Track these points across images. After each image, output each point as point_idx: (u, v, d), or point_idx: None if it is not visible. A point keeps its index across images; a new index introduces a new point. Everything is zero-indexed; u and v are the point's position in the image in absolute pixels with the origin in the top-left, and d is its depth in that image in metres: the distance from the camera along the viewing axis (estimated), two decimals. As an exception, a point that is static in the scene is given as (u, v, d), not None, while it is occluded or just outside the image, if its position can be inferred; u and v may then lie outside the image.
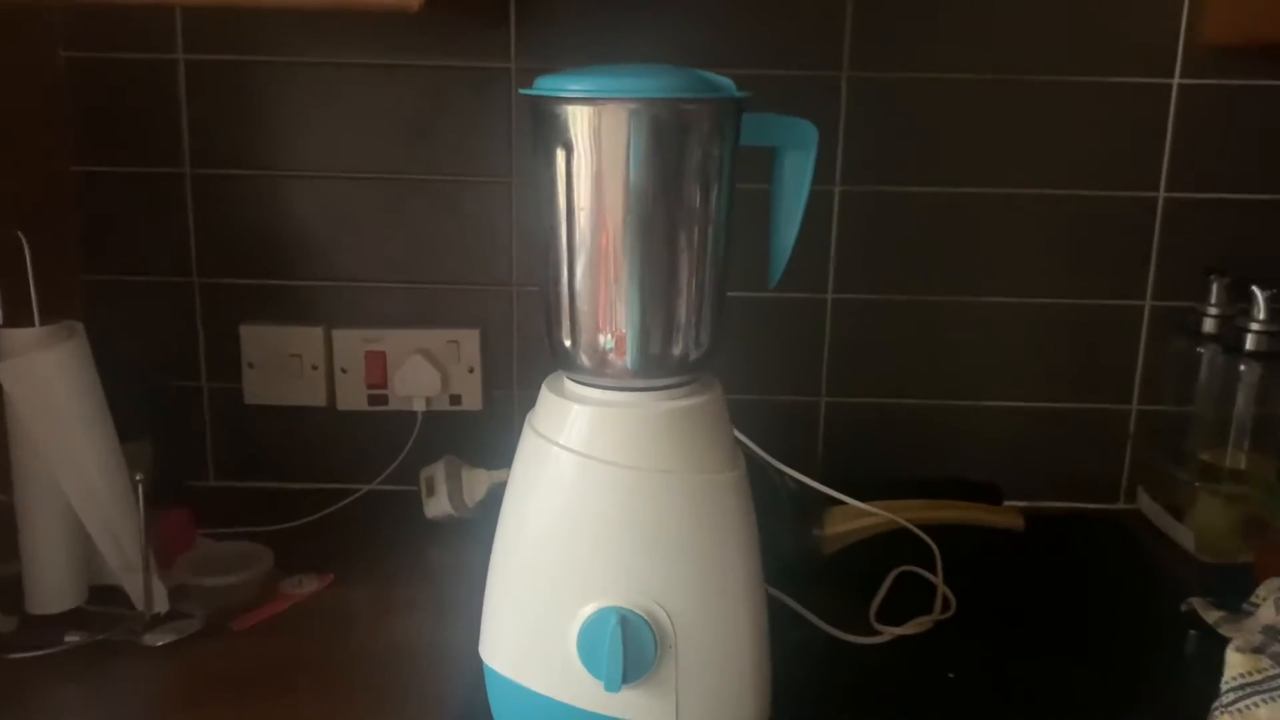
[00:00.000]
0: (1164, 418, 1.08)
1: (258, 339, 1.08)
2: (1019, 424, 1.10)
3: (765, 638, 0.68)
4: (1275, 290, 0.96)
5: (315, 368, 1.08)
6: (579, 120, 0.62)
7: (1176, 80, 1.03)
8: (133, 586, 0.83)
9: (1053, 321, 1.08)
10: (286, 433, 1.10)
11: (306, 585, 0.91)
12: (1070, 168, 1.05)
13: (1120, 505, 1.12)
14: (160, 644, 0.81)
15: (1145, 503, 1.09)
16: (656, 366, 0.66)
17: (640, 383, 0.67)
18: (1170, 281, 1.07)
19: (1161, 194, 1.05)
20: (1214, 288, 1.02)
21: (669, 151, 0.62)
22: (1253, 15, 0.96)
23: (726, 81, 0.64)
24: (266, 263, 1.08)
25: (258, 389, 1.09)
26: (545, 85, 0.63)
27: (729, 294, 0.69)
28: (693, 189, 0.64)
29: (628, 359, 0.66)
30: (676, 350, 0.66)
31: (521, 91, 0.65)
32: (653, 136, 0.62)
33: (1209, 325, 1.02)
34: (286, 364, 1.08)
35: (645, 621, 0.64)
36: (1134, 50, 1.02)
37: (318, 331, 1.07)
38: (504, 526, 0.69)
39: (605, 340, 0.66)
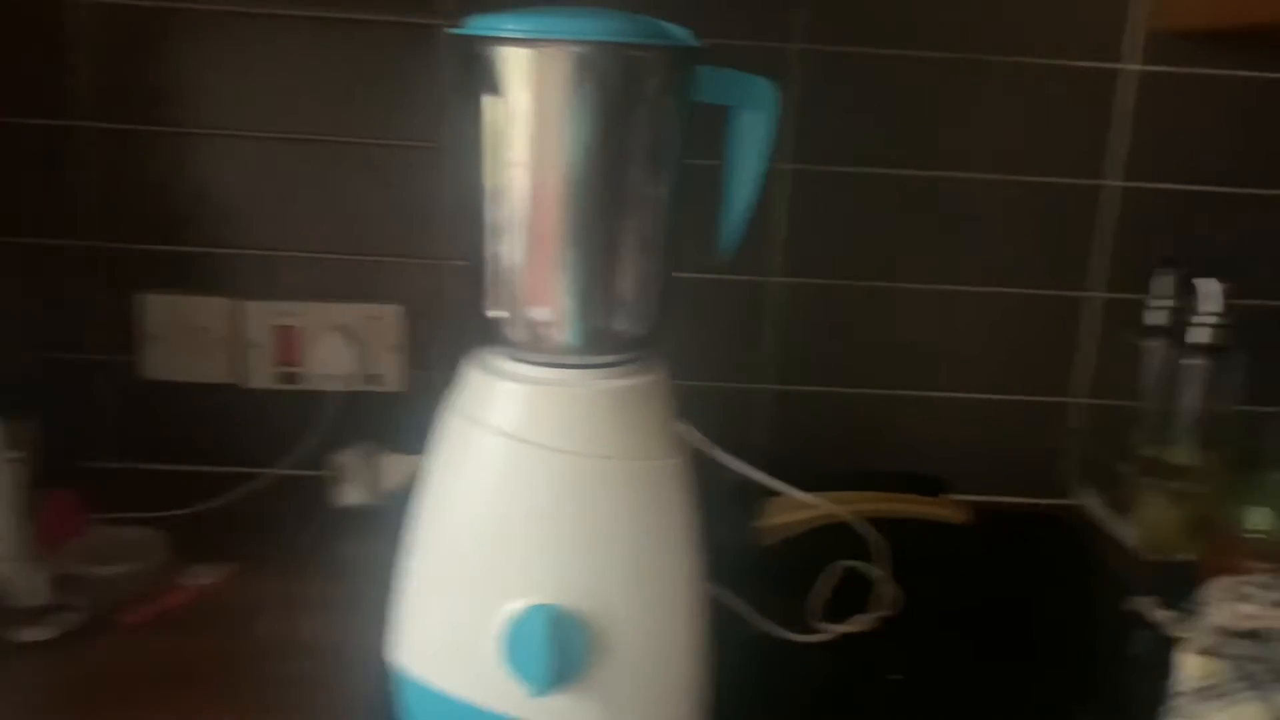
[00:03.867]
0: (1110, 412, 1.06)
1: (160, 310, 1.01)
2: (964, 416, 1.08)
3: (705, 636, 0.64)
4: (1225, 284, 0.94)
5: (223, 342, 1.01)
6: (515, 65, 0.56)
7: (1132, 67, 1.01)
8: (8, 575, 0.75)
9: (1002, 312, 1.06)
10: (190, 411, 1.03)
11: (205, 576, 0.84)
12: (1024, 154, 1.02)
13: (1063, 500, 1.10)
14: (39, 640, 0.74)
15: (1088, 498, 1.07)
16: (597, 342, 0.61)
17: (579, 360, 0.61)
18: (1122, 273, 1.05)
19: (1115, 183, 1.03)
20: (1163, 280, 1.00)
21: (615, 104, 0.57)
22: (1209, 1, 0.94)
23: (681, 31, 0.58)
24: (172, 228, 1.00)
25: (160, 363, 1.02)
26: (478, 25, 0.57)
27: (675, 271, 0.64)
28: (641, 147, 0.58)
29: (565, 333, 0.60)
30: (619, 325, 0.61)
31: (450, 31, 0.59)
32: (597, 86, 0.56)
33: (1158, 319, 1.00)
34: (191, 337, 1.01)
35: (577, 620, 0.59)
36: (1091, 35, 1.00)
37: (226, 303, 1.01)
38: (421, 513, 0.64)
39: (541, 311, 0.60)
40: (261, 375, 1.02)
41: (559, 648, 0.58)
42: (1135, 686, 0.79)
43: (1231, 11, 0.90)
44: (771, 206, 1.02)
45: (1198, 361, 0.95)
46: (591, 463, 0.59)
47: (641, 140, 0.58)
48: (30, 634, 0.74)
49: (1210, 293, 0.94)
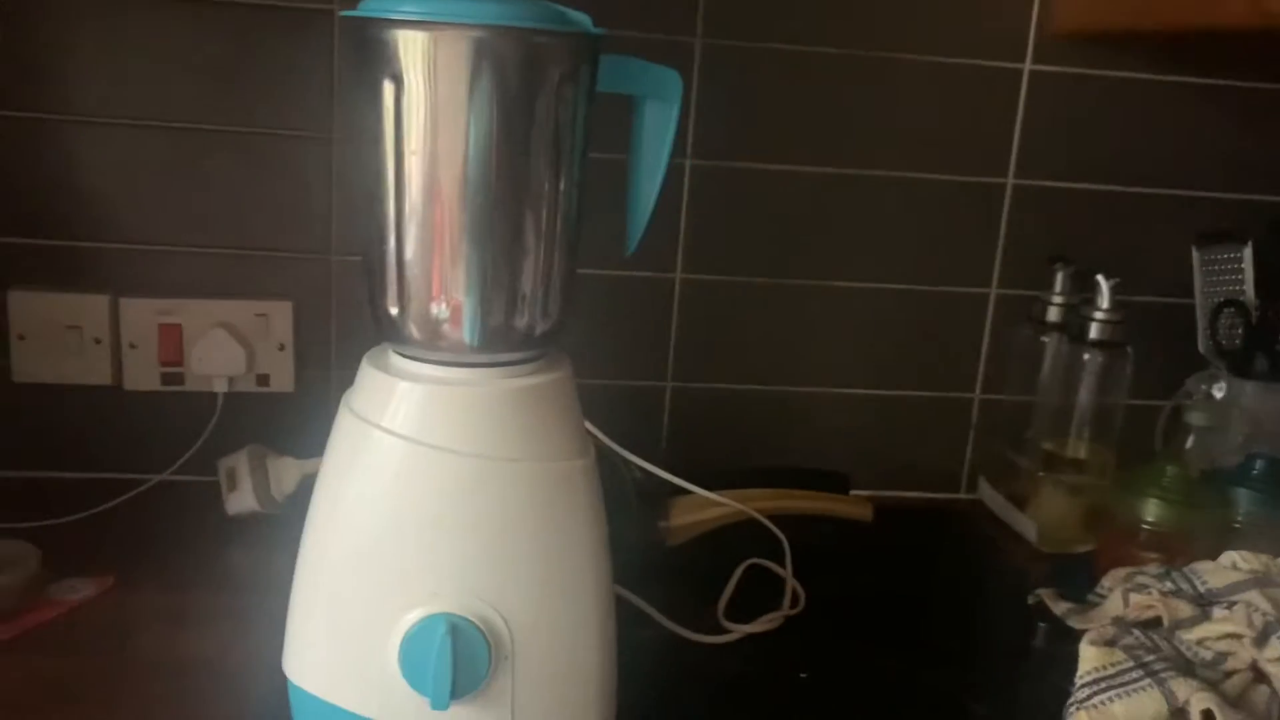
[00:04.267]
0: (1007, 407, 1.07)
1: (29, 307, 0.95)
2: (865, 412, 1.08)
3: (613, 644, 0.62)
4: (1118, 279, 0.96)
5: (99, 341, 0.96)
6: (412, 48, 0.54)
7: (1027, 66, 1.02)
8: None
9: (901, 308, 1.06)
10: (64, 415, 0.97)
11: (81, 590, 0.79)
12: (923, 151, 1.03)
13: (962, 495, 1.11)
14: (-107, 663, 0.69)
15: (986, 492, 1.09)
16: (498, 339, 0.59)
17: (479, 358, 0.59)
18: (1016, 269, 1.06)
19: (1010, 180, 1.04)
20: (1058, 276, 1.01)
21: (516, 90, 0.55)
22: (1100, 3, 0.96)
23: (582, 17, 0.56)
24: (42, 219, 0.94)
25: (29, 365, 0.96)
26: (373, 6, 0.54)
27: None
28: (543, 137, 0.56)
29: (465, 330, 0.58)
30: (521, 321, 0.59)
31: (344, 14, 0.56)
32: (497, 71, 0.54)
33: (1053, 314, 1.02)
34: (64, 337, 0.95)
35: (478, 629, 0.56)
36: (989, 33, 1.01)
37: (102, 300, 0.95)
38: (314, 521, 0.60)
39: (439, 308, 0.57)
40: (142, 376, 0.97)
41: (459, 659, 0.55)
42: (1036, 678, 0.80)
43: (1121, 16, 0.92)
44: (672, 202, 1.00)
45: (1095, 356, 0.97)
46: (494, 465, 0.57)
47: (543, 130, 0.56)
48: (-116, 658, 0.69)
49: (1107, 288, 0.96)
